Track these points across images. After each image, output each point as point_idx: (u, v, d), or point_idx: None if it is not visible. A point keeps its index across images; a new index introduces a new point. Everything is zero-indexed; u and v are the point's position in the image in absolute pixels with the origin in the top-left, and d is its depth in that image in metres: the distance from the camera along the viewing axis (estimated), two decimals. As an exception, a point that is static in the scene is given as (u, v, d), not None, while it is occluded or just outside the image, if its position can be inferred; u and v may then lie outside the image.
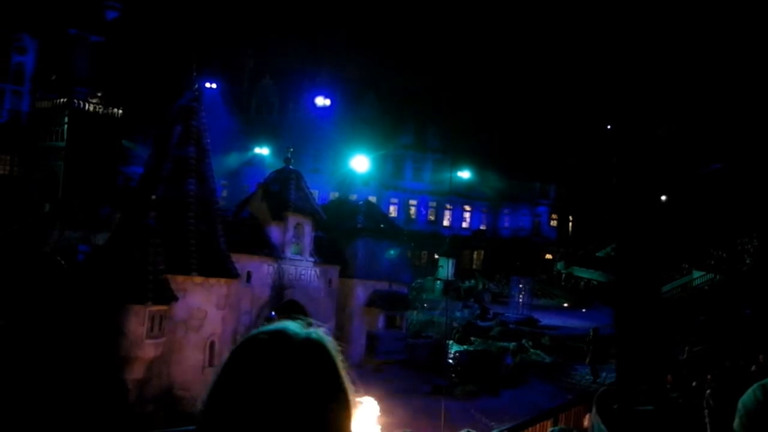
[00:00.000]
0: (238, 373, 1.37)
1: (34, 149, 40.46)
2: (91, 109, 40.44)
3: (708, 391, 6.17)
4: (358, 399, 1.50)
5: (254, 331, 1.45)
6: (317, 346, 1.41)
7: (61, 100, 40.17)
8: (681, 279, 39.48)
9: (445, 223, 59.55)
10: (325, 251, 26.35)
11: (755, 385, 1.83)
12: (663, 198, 48.49)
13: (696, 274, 38.93)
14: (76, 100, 40.04)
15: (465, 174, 57.68)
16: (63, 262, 23.38)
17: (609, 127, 51.78)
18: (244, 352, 1.40)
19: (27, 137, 40.86)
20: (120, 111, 41.40)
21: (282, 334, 1.41)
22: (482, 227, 61.28)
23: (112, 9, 48.32)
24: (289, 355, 1.37)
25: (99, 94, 42.90)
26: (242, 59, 54.54)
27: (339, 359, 1.43)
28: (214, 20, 52.65)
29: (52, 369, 17.38)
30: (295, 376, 1.34)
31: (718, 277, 37.15)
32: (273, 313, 23.10)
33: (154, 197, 19.46)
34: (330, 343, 1.45)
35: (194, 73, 22.09)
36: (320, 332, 1.46)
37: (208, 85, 46.98)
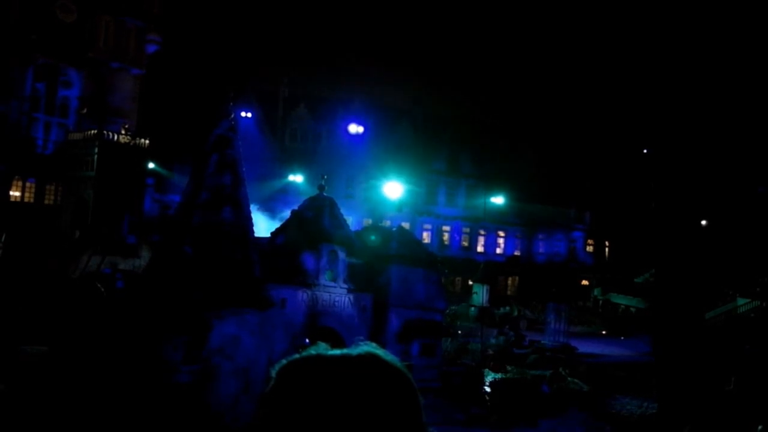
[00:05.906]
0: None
1: (68, 178, 41.64)
2: (120, 139, 41.49)
3: (760, 427, 5.89)
4: None
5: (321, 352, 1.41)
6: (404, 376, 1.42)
7: (92, 131, 41.33)
8: (724, 306, 38.27)
9: (479, 248, 59.06)
10: (359, 278, 26.30)
11: None
12: (704, 222, 47.35)
13: (741, 301, 37.71)
14: (105, 132, 41.13)
15: (499, 199, 57.29)
16: (102, 289, 23.84)
17: (646, 150, 51.00)
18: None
19: (67, 167, 42.13)
20: (147, 141, 42.40)
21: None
22: (517, 253, 60.58)
23: (154, 43, 49.87)
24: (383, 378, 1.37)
25: (126, 126, 44.05)
26: (277, 88, 55.55)
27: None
28: (249, 49, 53.90)
29: (91, 395, 17.61)
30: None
31: (765, 304, 35.92)
32: (307, 340, 23.09)
33: (190, 225, 19.77)
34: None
35: (230, 103, 22.50)
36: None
37: (243, 113, 47.91)
